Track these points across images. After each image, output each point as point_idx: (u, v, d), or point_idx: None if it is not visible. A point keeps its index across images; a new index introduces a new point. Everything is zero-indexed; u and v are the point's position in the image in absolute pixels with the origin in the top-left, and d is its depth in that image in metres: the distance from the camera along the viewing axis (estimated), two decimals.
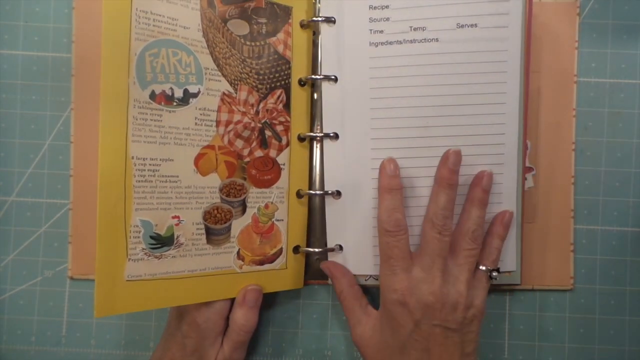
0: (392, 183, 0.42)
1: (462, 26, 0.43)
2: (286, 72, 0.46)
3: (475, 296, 0.41)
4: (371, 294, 0.49)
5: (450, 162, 0.41)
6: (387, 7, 0.44)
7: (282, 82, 0.45)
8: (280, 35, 0.45)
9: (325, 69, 0.45)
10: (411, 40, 0.43)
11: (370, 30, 0.44)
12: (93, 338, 0.49)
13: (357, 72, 0.44)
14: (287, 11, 0.46)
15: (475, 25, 0.43)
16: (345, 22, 0.44)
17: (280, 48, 0.45)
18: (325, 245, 0.46)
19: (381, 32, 0.44)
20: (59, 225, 0.49)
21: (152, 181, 0.39)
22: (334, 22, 0.45)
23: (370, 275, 0.46)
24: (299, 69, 0.46)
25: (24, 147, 0.49)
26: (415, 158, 0.44)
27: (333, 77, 0.45)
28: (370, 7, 0.44)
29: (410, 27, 0.43)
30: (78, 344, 0.49)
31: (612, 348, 0.48)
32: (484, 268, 0.42)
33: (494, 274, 0.42)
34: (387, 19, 0.44)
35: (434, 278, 0.40)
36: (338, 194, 0.45)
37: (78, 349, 0.49)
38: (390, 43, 0.44)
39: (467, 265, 0.41)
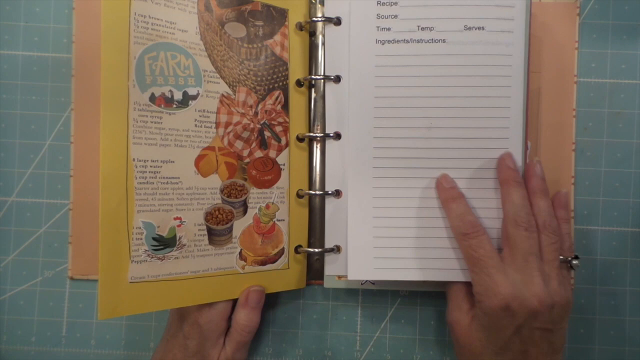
0: (453, 193, 0.42)
1: (470, 28, 0.43)
2: (283, 74, 0.46)
3: (565, 290, 0.39)
4: (368, 294, 0.49)
5: (510, 162, 0.42)
6: (395, 4, 0.43)
7: (280, 84, 0.45)
8: (277, 37, 0.45)
9: (329, 69, 0.45)
10: (418, 40, 0.43)
11: (378, 27, 0.43)
12: (93, 338, 0.49)
13: (363, 71, 0.44)
14: (282, 13, 0.46)
15: (483, 28, 0.43)
16: (352, 21, 0.44)
17: (277, 50, 0.45)
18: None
19: (388, 29, 0.43)
20: (59, 225, 0.49)
21: (153, 183, 0.39)
22: (339, 22, 0.45)
23: (367, 280, 0.46)
24: (296, 70, 0.46)
25: (24, 147, 0.49)
26: (417, 159, 0.44)
27: (333, 78, 0.45)
28: (379, 2, 0.43)
29: (418, 26, 0.43)
30: (78, 344, 0.49)
31: (612, 348, 0.48)
32: (562, 258, 0.40)
33: (574, 262, 0.41)
34: (395, 17, 0.43)
35: (533, 279, 0.38)
36: (338, 193, 0.45)
37: (78, 349, 0.49)
38: (397, 41, 0.43)
39: (555, 260, 0.39)
